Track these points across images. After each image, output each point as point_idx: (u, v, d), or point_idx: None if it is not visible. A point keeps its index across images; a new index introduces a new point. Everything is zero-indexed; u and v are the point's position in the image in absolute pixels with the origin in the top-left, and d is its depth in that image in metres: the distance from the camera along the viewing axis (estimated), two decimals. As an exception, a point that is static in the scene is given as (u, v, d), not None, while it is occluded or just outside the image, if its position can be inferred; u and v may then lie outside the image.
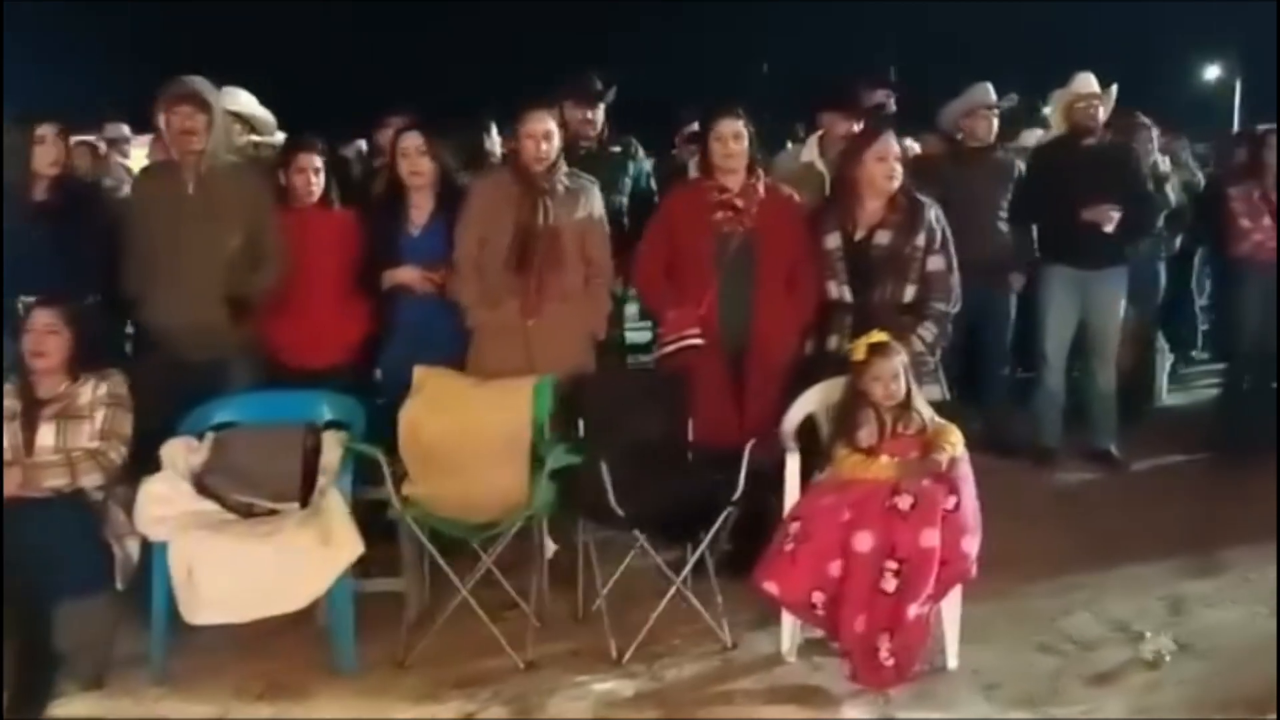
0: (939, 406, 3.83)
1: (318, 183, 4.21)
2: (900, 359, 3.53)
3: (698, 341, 3.91)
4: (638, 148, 5.26)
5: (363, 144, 6.19)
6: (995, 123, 5.63)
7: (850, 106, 4.97)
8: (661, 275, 4.07)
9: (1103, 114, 5.44)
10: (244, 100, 5.28)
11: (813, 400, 3.72)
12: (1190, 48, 31.73)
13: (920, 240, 3.93)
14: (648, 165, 5.41)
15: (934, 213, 3.99)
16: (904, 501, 3.28)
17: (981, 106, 5.61)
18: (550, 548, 3.54)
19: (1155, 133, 5.96)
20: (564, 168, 4.01)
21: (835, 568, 3.29)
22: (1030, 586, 4.06)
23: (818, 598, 3.30)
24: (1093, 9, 29.12)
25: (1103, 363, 5.57)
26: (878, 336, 3.56)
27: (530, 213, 3.84)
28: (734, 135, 4.01)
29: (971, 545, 3.29)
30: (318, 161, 4.23)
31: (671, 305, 4.00)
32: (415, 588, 3.57)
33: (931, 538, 3.23)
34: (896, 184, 3.93)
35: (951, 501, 3.30)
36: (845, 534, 3.29)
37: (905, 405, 3.53)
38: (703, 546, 3.49)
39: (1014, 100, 5.71)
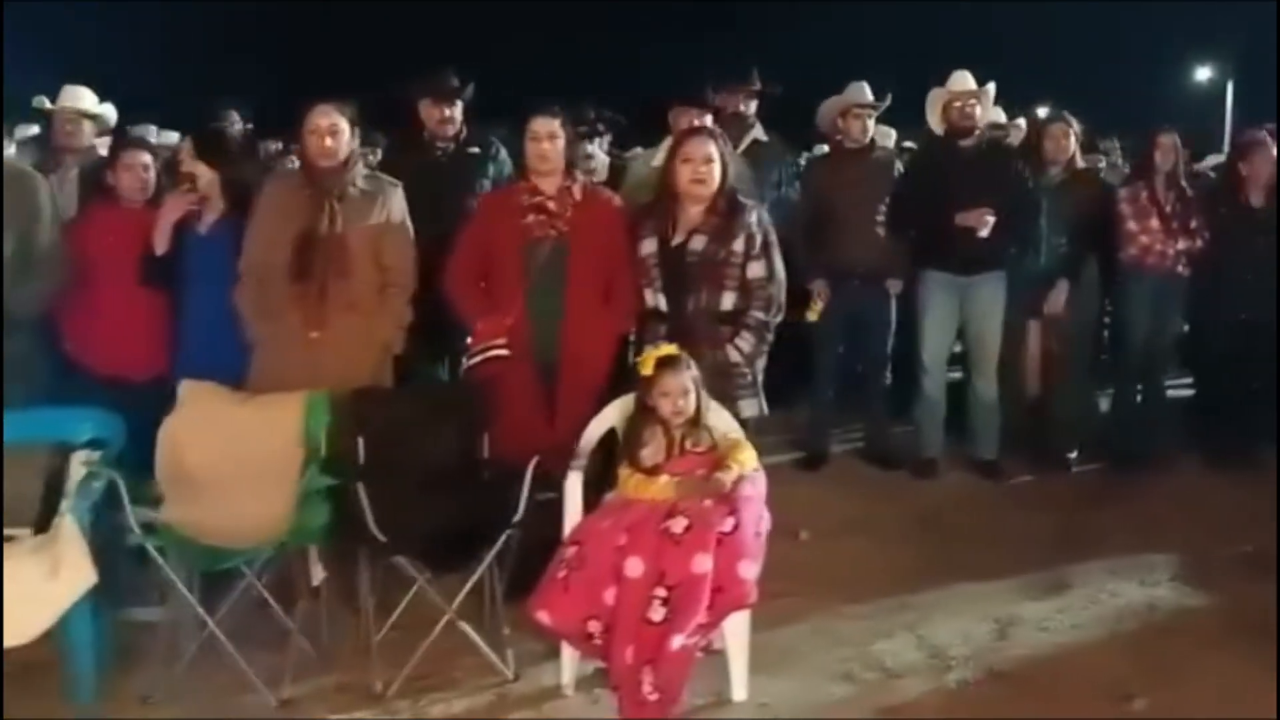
0: (750, 423, 3.65)
1: (148, 180, 4.09)
2: (690, 374, 3.34)
3: (503, 353, 3.72)
4: (499, 148, 5.07)
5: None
6: (871, 123, 5.44)
7: (697, 105, 4.78)
8: (472, 282, 3.88)
9: (979, 112, 5.25)
10: (86, 97, 5.13)
11: (614, 415, 3.53)
12: (1184, 48, 31.50)
13: (739, 246, 3.73)
14: (510, 167, 5.23)
15: (756, 216, 3.80)
16: (677, 525, 3.09)
17: (855, 106, 5.42)
18: (318, 575, 3.34)
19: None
20: (360, 169, 3.82)
21: (610, 595, 3.09)
22: (858, 607, 3.86)
23: (594, 627, 3.11)
24: (1087, 10, 28.88)
25: (982, 371, 5.37)
26: (666, 350, 3.37)
27: (314, 216, 3.65)
28: (548, 135, 3.82)
29: (750, 570, 3.08)
30: (146, 159, 4.13)
31: (481, 314, 3.81)
32: (178, 616, 3.37)
33: (703, 563, 3.03)
34: (707, 188, 3.73)
35: (729, 524, 3.10)
36: (620, 559, 3.10)
37: (695, 422, 3.33)
38: (479, 573, 3.29)
39: (888, 100, 5.50)
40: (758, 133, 5.27)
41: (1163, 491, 5.13)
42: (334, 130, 3.70)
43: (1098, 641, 3.66)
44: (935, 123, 5.34)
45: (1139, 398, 5.68)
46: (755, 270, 3.75)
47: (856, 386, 5.75)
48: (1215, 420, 5.61)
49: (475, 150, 4.96)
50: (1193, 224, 5.40)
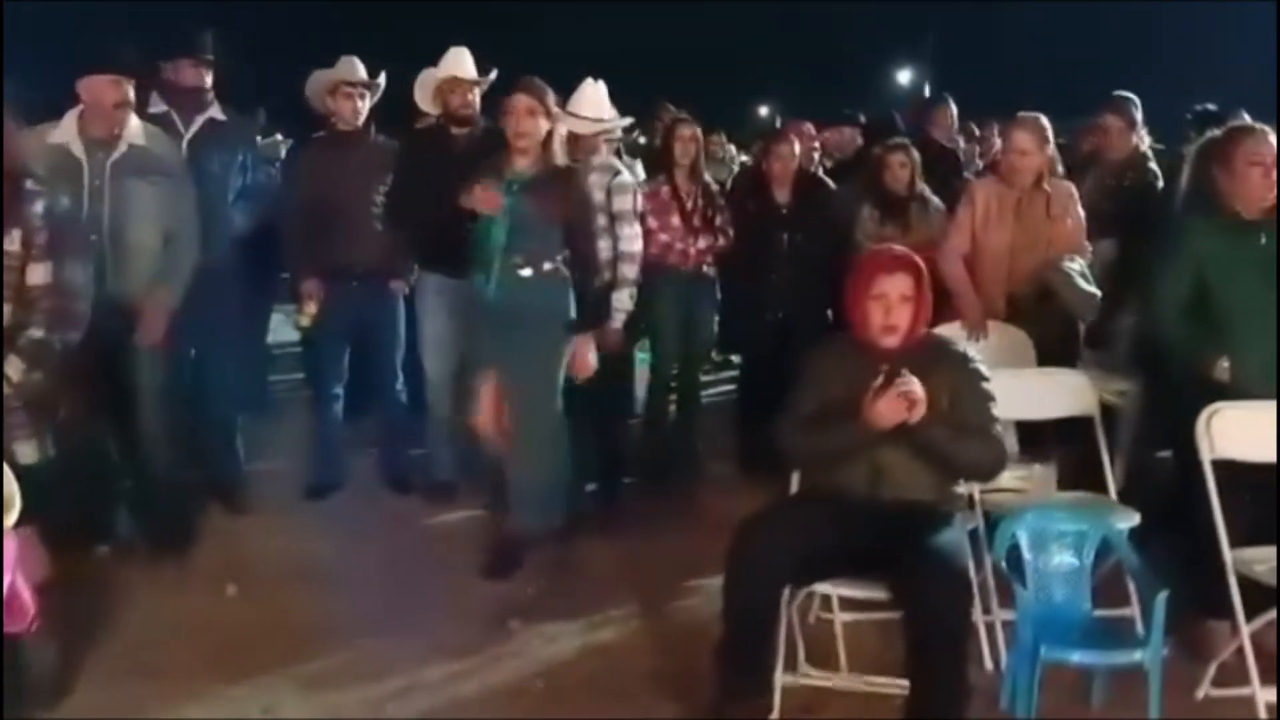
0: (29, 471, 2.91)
1: None
2: None
3: None
4: None
5: None
6: (364, 104, 4.79)
7: (114, 73, 3.96)
8: None
9: (474, 97, 4.70)
10: None
11: None
12: (884, 51, 33.04)
13: (12, 244, 2.97)
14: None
15: (41, 205, 3.04)
16: None
17: (345, 84, 4.75)
18: None
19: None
20: None
21: None
22: (232, 688, 3.20)
23: None
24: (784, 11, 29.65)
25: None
26: None
27: None
28: None
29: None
30: None
31: None
32: None
33: None
34: None
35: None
36: None
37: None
38: None
39: (382, 80, 4.85)
40: (214, 111, 4.51)
41: (692, 509, 4.77)
42: None
43: (499, 703, 3.16)
44: (429, 107, 4.77)
45: (673, 405, 5.32)
46: (36, 275, 3.01)
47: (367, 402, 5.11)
48: (753, 427, 5.32)
49: None
50: (717, 221, 5.08)
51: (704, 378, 6.01)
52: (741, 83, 27.87)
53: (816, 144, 6.22)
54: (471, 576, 3.96)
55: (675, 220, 5.00)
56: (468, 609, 3.73)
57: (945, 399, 2.90)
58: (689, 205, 5.02)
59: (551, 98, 3.98)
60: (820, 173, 6.09)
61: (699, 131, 5.12)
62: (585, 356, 4.01)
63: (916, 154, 5.28)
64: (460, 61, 4.72)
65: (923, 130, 5.86)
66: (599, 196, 4.33)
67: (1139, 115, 4.82)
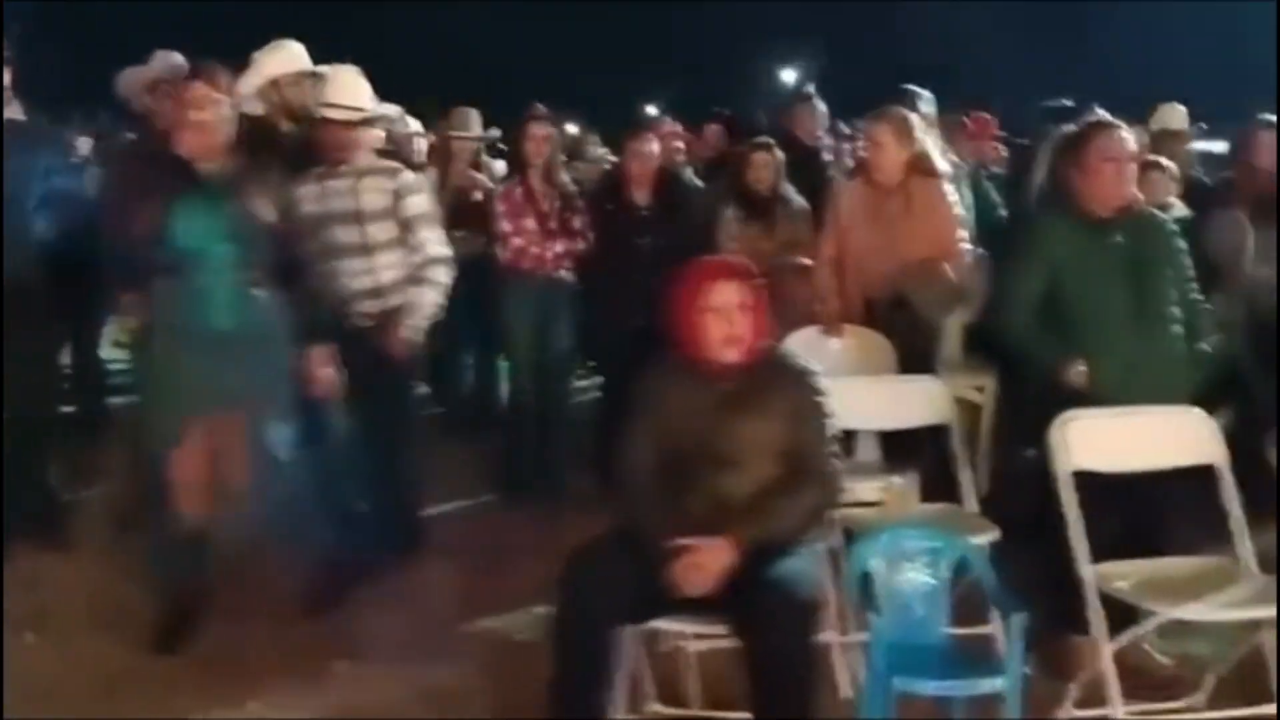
0: None
1: None
2: None
3: None
4: None
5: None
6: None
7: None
8: None
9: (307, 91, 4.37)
10: None
11: None
12: (775, 49, 33.17)
13: None
14: None
15: None
16: None
17: (164, 81, 4.39)
18: None
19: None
20: None
21: None
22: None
23: None
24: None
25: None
26: None
27: None
28: None
29: None
30: None
31: None
32: None
33: None
34: None
35: None
36: None
37: None
38: None
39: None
40: (13, 112, 4.10)
41: (549, 528, 4.47)
42: None
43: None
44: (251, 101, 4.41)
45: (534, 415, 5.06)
46: None
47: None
48: (613, 439, 5.09)
49: None
50: (575, 223, 4.85)
51: (579, 383, 5.81)
52: (632, 81, 27.68)
53: (680, 143, 6.03)
54: (293, 612, 3.63)
55: (530, 223, 4.77)
56: (288, 650, 3.41)
57: (784, 418, 2.73)
58: (544, 207, 4.80)
59: (227, 82, 3.56)
60: (691, 173, 5.92)
61: (553, 131, 4.89)
62: (325, 372, 3.49)
63: (780, 153, 5.11)
64: (292, 55, 4.37)
65: (787, 129, 5.70)
66: (383, 201, 3.92)
67: (930, 111, 4.76)
